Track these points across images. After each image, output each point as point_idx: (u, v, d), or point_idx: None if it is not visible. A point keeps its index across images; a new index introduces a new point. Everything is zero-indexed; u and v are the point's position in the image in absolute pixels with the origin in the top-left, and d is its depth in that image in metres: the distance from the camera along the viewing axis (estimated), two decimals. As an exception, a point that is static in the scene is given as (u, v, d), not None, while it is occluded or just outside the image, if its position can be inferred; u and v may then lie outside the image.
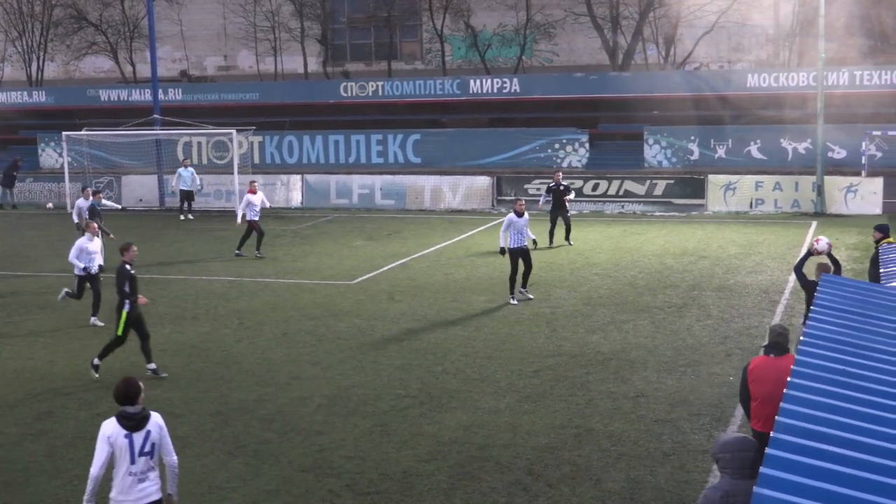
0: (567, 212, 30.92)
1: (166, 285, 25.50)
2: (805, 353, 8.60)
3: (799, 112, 43.44)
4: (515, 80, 49.96)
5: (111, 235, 27.09)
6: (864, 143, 38.89)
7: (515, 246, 22.85)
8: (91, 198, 28.74)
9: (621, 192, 38.18)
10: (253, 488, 12.58)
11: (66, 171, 43.39)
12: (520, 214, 22.98)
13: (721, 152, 42.95)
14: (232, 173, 40.66)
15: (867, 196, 36.04)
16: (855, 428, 6.89)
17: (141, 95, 53.04)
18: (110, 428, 9.24)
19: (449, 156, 46.49)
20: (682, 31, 53.45)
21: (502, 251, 23.07)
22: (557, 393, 15.99)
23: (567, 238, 30.57)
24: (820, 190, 36.21)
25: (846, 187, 36.39)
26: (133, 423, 9.25)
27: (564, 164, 44.54)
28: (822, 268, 16.65)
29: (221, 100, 53.11)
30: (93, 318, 21.42)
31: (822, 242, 17.31)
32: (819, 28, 36.77)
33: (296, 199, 42.07)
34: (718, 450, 7.97)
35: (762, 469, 6.11)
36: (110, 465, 9.28)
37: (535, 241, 25.20)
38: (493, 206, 39.82)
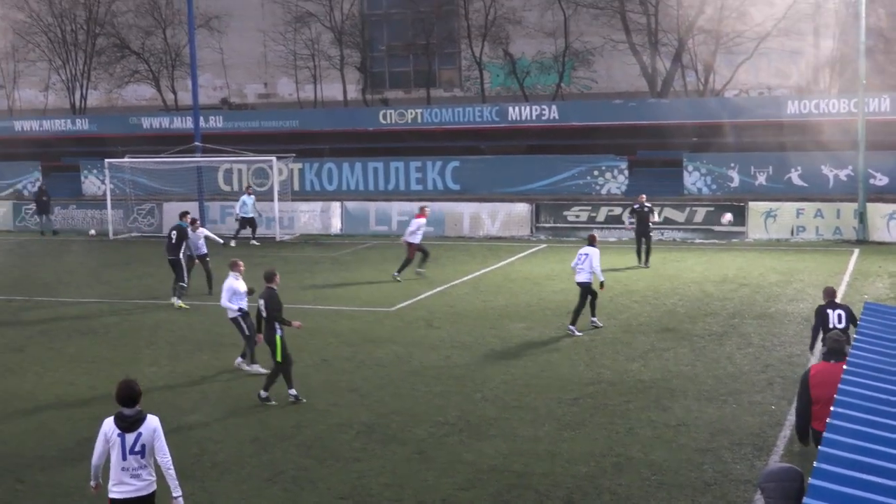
0: (650, 233, 32.04)
1: (205, 311, 25.62)
2: (848, 381, 8.53)
3: (840, 138, 43.13)
4: (554, 106, 49.98)
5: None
6: (906, 170, 38.57)
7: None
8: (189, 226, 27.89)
9: (660, 219, 38.00)
10: (292, 515, 12.58)
11: (109, 197, 43.83)
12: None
13: (761, 179, 42.69)
14: (272, 200, 40.86)
15: (910, 223, 35.73)
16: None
17: (182, 123, 53.50)
18: (108, 426, 10.35)
19: (487, 183, 46.51)
20: (722, 57, 53.29)
21: (602, 285, 22.90)
22: (597, 421, 15.91)
23: (646, 261, 31.31)
24: (862, 217, 35.92)
25: (889, 214, 36.09)
26: (126, 424, 10.25)
27: (603, 192, 44.43)
28: (828, 292, 16.94)
29: (262, 127, 53.46)
30: (246, 363, 19.83)
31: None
32: (860, 54, 36.56)
33: (335, 225, 42.22)
34: (763, 479, 7.93)
35: (806, 499, 6.05)
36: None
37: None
38: (531, 233, 39.78)
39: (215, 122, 53.71)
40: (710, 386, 17.74)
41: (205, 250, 28.43)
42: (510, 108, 50.10)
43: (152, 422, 10.33)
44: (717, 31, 51.67)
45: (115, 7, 62.40)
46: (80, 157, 53.48)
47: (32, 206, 46.13)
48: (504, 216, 40.36)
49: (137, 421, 10.27)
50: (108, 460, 10.40)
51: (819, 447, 6.96)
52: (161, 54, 62.66)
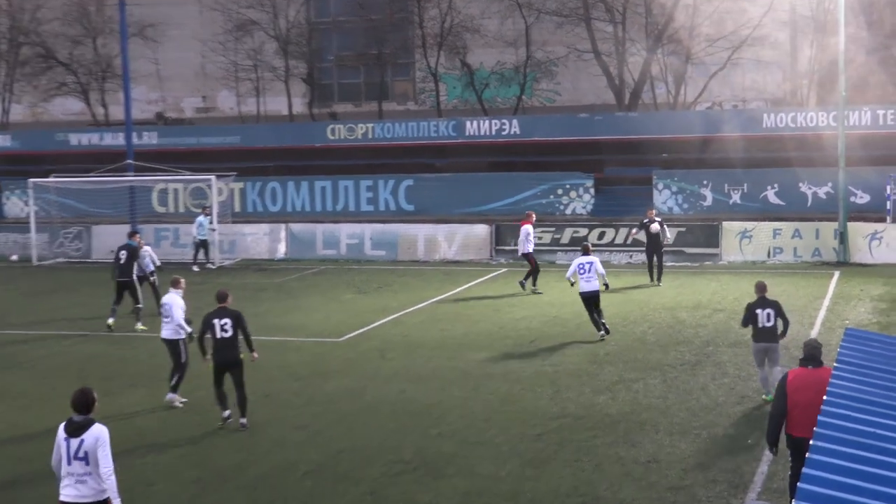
0: (662, 250, 33.06)
1: (142, 343, 25.47)
2: (827, 413, 8.64)
3: (819, 154, 43.61)
4: (515, 121, 50.22)
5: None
6: (888, 187, 39.00)
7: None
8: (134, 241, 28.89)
9: (629, 241, 38.22)
10: (234, 563, 12.54)
11: (33, 220, 43.45)
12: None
13: (736, 198, 43.09)
14: (212, 222, 40.73)
15: (893, 243, 36.11)
16: (881, 495, 6.92)
17: (113, 139, 53.23)
18: (60, 430, 11.32)
19: (444, 202, 46.61)
20: (693, 68, 53.81)
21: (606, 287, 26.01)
22: (562, 458, 15.97)
23: (658, 278, 32.46)
24: (842, 237, 36.29)
25: (870, 234, 36.49)
26: (72, 429, 11.19)
27: (568, 212, 44.66)
28: (760, 287, 19.21)
29: (200, 143, 53.31)
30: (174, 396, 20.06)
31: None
32: (839, 65, 37.02)
33: (280, 249, 42.13)
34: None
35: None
36: None
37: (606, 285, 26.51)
38: (491, 256, 39.87)
39: (150, 139, 53.50)
40: (682, 419, 17.85)
41: (151, 268, 29.34)
42: (468, 123, 50.29)
43: (97, 430, 11.18)
44: (688, 40, 52.17)
45: (41, 14, 62.02)
46: (1, 177, 53.05)
47: None
48: (462, 238, 40.45)
49: (82, 427, 11.16)
50: None
51: (798, 484, 7.05)
52: (91, 65, 62.34)
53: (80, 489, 11.18)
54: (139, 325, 27.44)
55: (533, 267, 32.01)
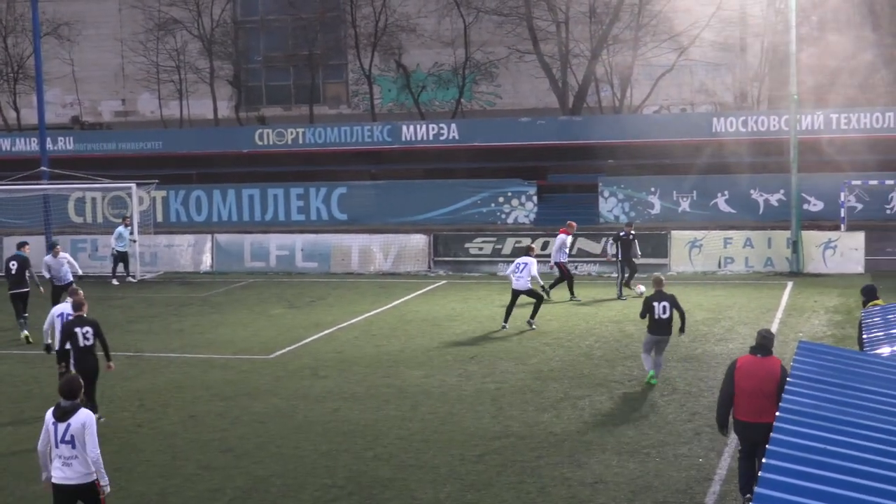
0: (634, 261, 33.34)
1: (53, 361, 25.15)
2: (781, 430, 8.72)
3: (771, 160, 44.12)
4: (453, 125, 50.35)
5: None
6: (842, 194, 39.53)
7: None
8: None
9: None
10: None
11: (-62, 232, 42.91)
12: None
13: (685, 205, 43.50)
14: (132, 233, 40.38)
15: (847, 253, 36.54)
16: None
17: (26, 145, 52.72)
18: (48, 415, 12.64)
19: (379, 211, 46.62)
20: (640, 69, 54.25)
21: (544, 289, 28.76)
22: (504, 480, 15.99)
23: (629, 283, 32.80)
24: (795, 246, 36.67)
25: (824, 243, 36.90)
26: (59, 413, 12.50)
27: (510, 221, 44.83)
28: (657, 282, 21.51)
29: (119, 149, 52.93)
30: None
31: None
32: (791, 66, 37.46)
33: (205, 261, 41.87)
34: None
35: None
36: None
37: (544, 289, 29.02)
38: (429, 268, 39.90)
39: (65, 144, 53.03)
40: (630, 438, 17.94)
41: (70, 278, 29.38)
42: (404, 127, 50.35)
43: (83, 415, 12.49)
44: (634, 40, 52.58)
45: (-53, 11, 61.37)
46: None
47: None
48: (398, 249, 40.43)
49: (69, 412, 12.47)
50: None
51: None
52: (1, 66, 61.67)
53: (66, 472, 12.46)
54: (25, 333, 27.80)
55: (566, 277, 32.30)
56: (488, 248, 39.57)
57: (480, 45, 57.61)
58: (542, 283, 28.11)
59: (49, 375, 23.90)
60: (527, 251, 28.55)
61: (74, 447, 12.40)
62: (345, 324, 29.49)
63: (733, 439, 17.21)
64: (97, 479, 12.57)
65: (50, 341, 21.03)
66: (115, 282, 38.44)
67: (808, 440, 8.43)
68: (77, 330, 18.96)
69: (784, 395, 9.97)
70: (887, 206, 43.85)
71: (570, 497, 15.21)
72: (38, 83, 43.97)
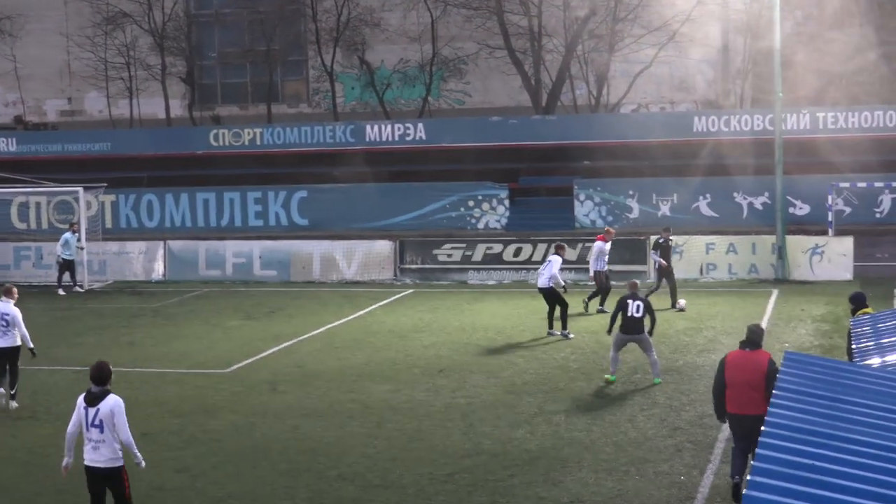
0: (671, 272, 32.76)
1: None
2: (766, 445, 8.78)
3: (754, 161, 44.32)
4: (420, 125, 50.39)
5: None
6: (830, 197, 39.73)
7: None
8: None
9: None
10: None
11: None
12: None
13: (665, 209, 43.66)
14: (79, 240, 40.24)
15: (835, 258, 36.67)
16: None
17: (-34, 147, 52.40)
18: (79, 399, 13.89)
19: (342, 216, 46.60)
20: (617, 66, 54.45)
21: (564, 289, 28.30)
22: (476, 501, 16.01)
23: (674, 302, 32.04)
24: (781, 252, 36.82)
25: (811, 248, 37.02)
26: (90, 398, 13.74)
27: (480, 226, 44.90)
28: (631, 286, 23.45)
29: (65, 151, 52.72)
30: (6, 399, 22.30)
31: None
32: (775, 63, 37.64)
33: (157, 270, 41.74)
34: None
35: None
36: None
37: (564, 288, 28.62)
38: (395, 276, 39.87)
39: (7, 145, 52.79)
40: (608, 455, 17.99)
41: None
42: (368, 127, 50.37)
43: (112, 401, 13.67)
44: (610, 35, 52.75)
45: None
46: None
47: None
48: (362, 256, 40.40)
49: (99, 398, 13.68)
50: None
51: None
52: (-62, 63, 61.38)
53: (95, 455, 13.72)
54: None
55: (601, 287, 31.80)
56: (457, 255, 39.58)
57: (448, 40, 57.69)
58: (563, 283, 28.33)
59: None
60: (556, 250, 29.56)
61: (103, 431, 13.62)
62: (306, 336, 29.45)
63: (716, 457, 17.33)
64: (123, 466, 13.77)
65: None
66: (61, 291, 38.26)
67: (795, 455, 8.49)
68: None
69: (770, 409, 10.04)
70: (877, 210, 44.21)
71: (545, 517, 15.24)
72: (-21, 81, 43.75)
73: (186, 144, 52.59)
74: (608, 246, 32.16)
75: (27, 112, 64.39)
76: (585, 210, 44.71)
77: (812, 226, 40.84)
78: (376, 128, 50.33)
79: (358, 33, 58.57)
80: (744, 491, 7.82)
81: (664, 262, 32.43)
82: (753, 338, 15.61)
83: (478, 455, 18.17)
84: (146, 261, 41.87)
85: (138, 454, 13.99)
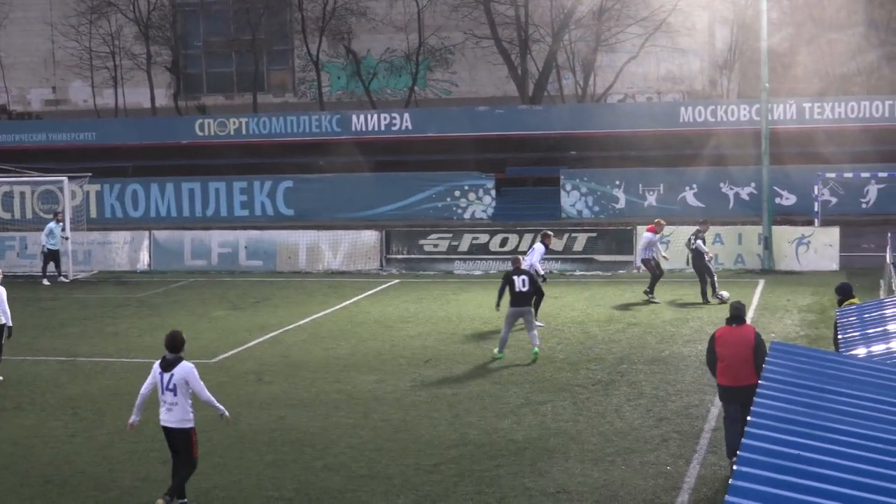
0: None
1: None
2: (751, 435, 8.79)
3: (741, 151, 44.39)
4: (406, 115, 50.36)
5: None
6: (816, 188, 39.78)
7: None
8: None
9: (532, 246, 38.47)
10: None
11: None
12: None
13: (651, 199, 43.70)
14: (64, 230, 40.15)
15: (821, 249, 36.77)
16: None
17: (-51, 136, 52.25)
18: (156, 365, 15.40)
19: (328, 206, 46.55)
20: (604, 56, 54.47)
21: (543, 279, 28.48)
22: (462, 491, 16.02)
23: (714, 292, 31.36)
24: (767, 242, 36.88)
25: (797, 239, 37.11)
26: (165, 364, 15.26)
27: (466, 216, 44.89)
28: (514, 261, 24.73)
29: (50, 140, 52.58)
30: None
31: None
32: (762, 53, 37.68)
33: (142, 260, 41.67)
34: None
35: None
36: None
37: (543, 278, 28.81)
38: (381, 266, 39.85)
39: (-9, 136, 52.56)
40: (594, 445, 18.01)
41: None
42: (354, 117, 50.32)
43: (185, 367, 15.24)
44: (597, 25, 52.78)
45: None
46: None
47: None
48: (348, 246, 40.38)
49: (172, 364, 15.22)
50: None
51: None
52: (-79, 52, 61.15)
53: (168, 416, 15.22)
54: None
55: (653, 274, 31.78)
56: (444, 245, 39.57)
57: (435, 29, 57.66)
58: (542, 272, 28.55)
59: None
60: (542, 238, 29.77)
61: (176, 395, 15.09)
62: (291, 326, 29.43)
63: (702, 447, 17.38)
64: (193, 428, 15.34)
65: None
66: (45, 282, 38.19)
67: (781, 446, 8.50)
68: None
69: (755, 399, 10.05)
70: (863, 200, 44.32)
71: (531, 508, 15.25)
72: (-38, 70, 43.63)
73: (172, 134, 52.48)
74: (657, 237, 32.43)
75: (11, 101, 64.18)
76: (572, 200, 44.71)
77: (798, 216, 40.91)
78: (362, 117, 50.28)
79: (344, 22, 58.51)
80: (730, 481, 7.82)
81: (710, 253, 32.40)
82: (737, 313, 16.79)
83: (464, 445, 18.18)
84: (131, 251, 41.78)
85: (220, 406, 15.53)
